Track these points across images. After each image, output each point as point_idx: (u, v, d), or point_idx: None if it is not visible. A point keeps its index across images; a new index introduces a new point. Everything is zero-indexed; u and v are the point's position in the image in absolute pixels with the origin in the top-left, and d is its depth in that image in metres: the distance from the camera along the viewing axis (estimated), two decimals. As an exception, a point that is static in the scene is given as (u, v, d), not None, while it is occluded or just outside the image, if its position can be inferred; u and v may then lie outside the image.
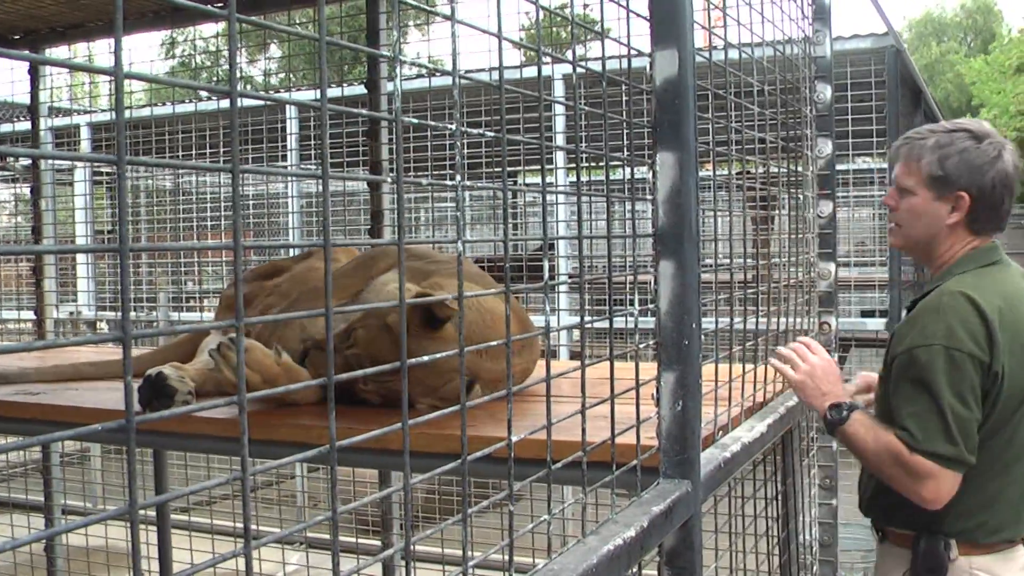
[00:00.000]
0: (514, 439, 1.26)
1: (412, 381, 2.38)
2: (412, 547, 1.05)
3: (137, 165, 0.79)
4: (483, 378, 2.46)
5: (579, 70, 1.54)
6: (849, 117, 5.91)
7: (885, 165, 5.63)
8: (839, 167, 7.30)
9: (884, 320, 6.04)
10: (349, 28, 4.92)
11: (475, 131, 1.08)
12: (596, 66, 1.61)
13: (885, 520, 2.70)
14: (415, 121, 0.98)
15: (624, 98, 1.68)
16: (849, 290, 7.74)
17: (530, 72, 6.85)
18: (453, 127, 1.07)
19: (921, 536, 2.57)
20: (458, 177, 1.08)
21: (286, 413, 2.44)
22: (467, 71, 6.53)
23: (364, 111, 0.97)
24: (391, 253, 2.78)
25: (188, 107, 6.91)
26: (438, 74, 5.23)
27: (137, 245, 0.69)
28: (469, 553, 1.19)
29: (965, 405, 2.44)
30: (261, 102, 6.71)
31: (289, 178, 7.18)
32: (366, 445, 1.10)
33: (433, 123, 1.03)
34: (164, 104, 7.15)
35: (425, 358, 1.07)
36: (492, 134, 1.14)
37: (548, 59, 5.89)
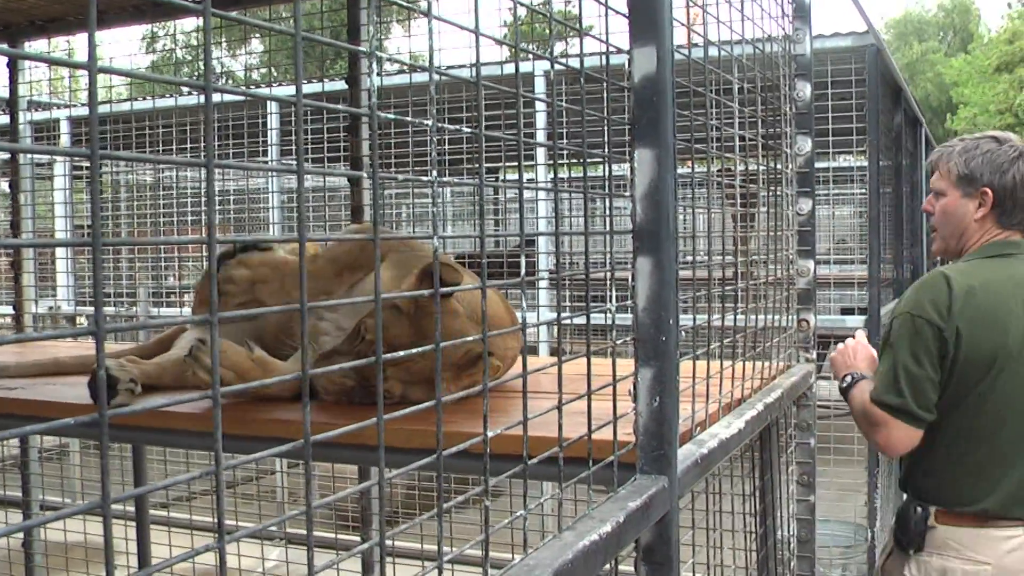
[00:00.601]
0: (490, 435, 1.26)
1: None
2: (389, 543, 1.05)
3: (111, 159, 0.79)
4: (497, 354, 2.47)
5: (557, 67, 1.54)
6: (830, 115, 5.93)
7: (865, 163, 5.65)
8: (820, 165, 7.34)
9: (864, 318, 6.07)
10: (331, 23, 4.91)
11: (451, 127, 1.08)
12: (574, 63, 1.62)
13: (900, 483, 3.09)
14: (392, 117, 0.98)
15: (603, 95, 1.68)
16: (829, 288, 7.76)
17: (511, 68, 6.87)
18: (430, 123, 1.07)
19: (904, 498, 2.92)
20: (434, 173, 1.08)
21: (264, 407, 2.43)
22: (448, 67, 6.54)
23: (341, 107, 0.97)
24: (384, 246, 2.75)
25: (168, 102, 6.90)
26: (416, 70, 5.22)
27: (110, 239, 0.69)
28: (446, 548, 1.20)
29: (918, 364, 2.80)
30: (241, 97, 6.70)
31: (270, 174, 7.16)
32: (343, 440, 1.10)
33: (409, 119, 1.03)
34: (144, 99, 7.11)
35: (449, 342, 1.07)
36: (469, 130, 1.15)
37: (528, 55, 5.89)
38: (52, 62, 0.67)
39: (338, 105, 0.92)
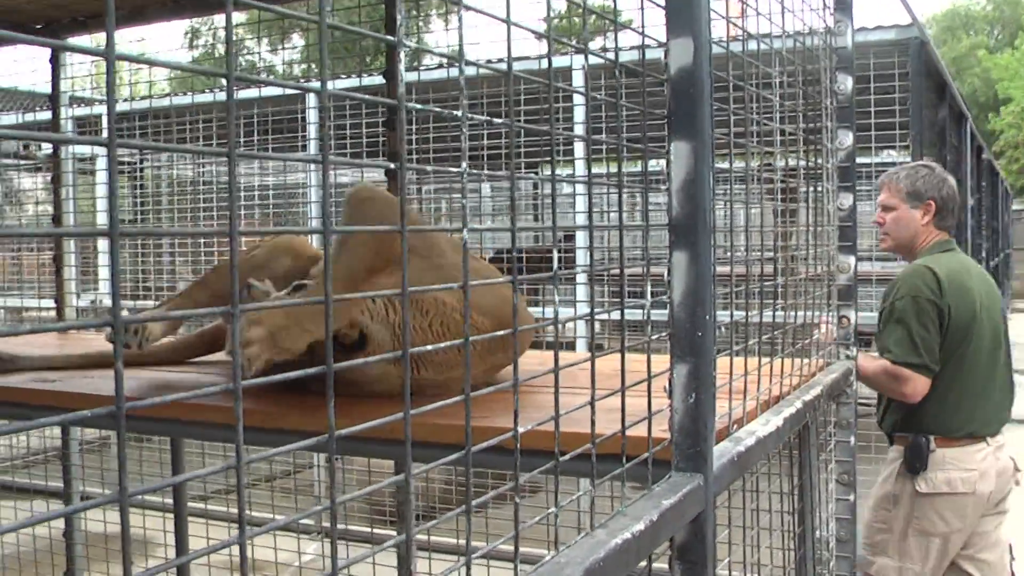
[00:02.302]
0: (521, 430, 1.24)
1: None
2: (424, 537, 1.03)
3: (127, 147, 0.78)
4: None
5: (595, 60, 1.52)
6: (872, 109, 5.85)
7: (909, 159, 5.58)
8: (862, 160, 7.26)
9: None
10: (371, 18, 4.91)
11: (481, 119, 1.07)
12: (611, 56, 1.59)
13: (891, 428, 4.12)
14: (420, 107, 0.97)
15: (641, 88, 1.66)
16: (870, 284, 7.66)
17: (553, 62, 6.83)
18: (459, 114, 1.05)
19: (910, 435, 3.94)
20: (464, 165, 1.07)
21: (297, 401, 2.42)
22: (488, 61, 6.52)
23: (367, 96, 0.95)
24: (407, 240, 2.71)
25: (207, 97, 6.93)
26: (448, 63, 5.21)
27: (127, 229, 0.68)
28: (480, 544, 1.18)
29: (927, 331, 3.89)
30: (282, 92, 6.72)
31: (309, 169, 7.18)
32: (374, 434, 1.09)
33: (438, 109, 1.01)
34: (185, 94, 7.15)
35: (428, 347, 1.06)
36: (500, 121, 1.13)
37: (567, 49, 5.87)
38: (66, 49, 0.66)
39: (364, 95, 0.91)
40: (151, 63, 0.71)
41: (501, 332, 1.25)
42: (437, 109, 1.00)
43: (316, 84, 0.82)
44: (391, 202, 2.64)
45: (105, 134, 0.73)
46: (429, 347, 1.03)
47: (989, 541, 4.11)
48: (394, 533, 4.99)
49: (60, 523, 4.97)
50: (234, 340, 0.78)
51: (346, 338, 2.42)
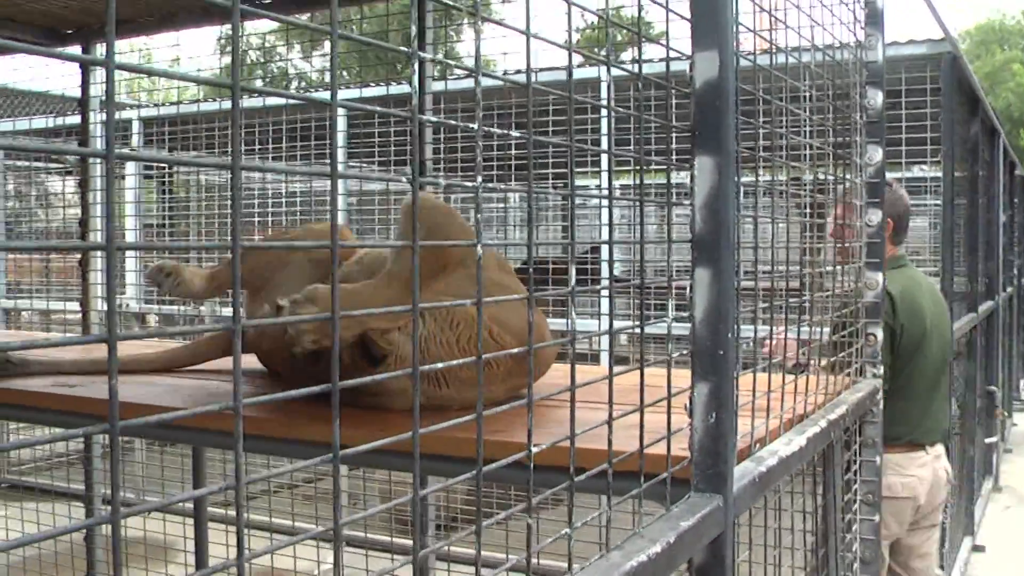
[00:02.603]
0: (535, 450, 1.22)
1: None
2: (433, 548, 1.01)
3: (125, 160, 0.76)
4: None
5: (619, 72, 1.50)
6: (903, 124, 5.80)
7: (940, 173, 5.52)
8: (891, 175, 7.18)
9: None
10: (402, 27, 4.91)
11: (497, 131, 1.04)
12: (634, 68, 1.57)
13: None
14: (434, 120, 0.94)
15: (666, 101, 1.64)
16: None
17: (580, 74, 6.81)
18: (475, 126, 1.03)
19: None
20: (479, 179, 1.05)
21: (316, 412, 2.41)
22: (517, 71, 6.51)
23: (378, 107, 0.93)
24: (453, 256, 2.67)
25: (242, 103, 6.94)
26: (461, 72, 5.19)
27: (124, 243, 0.66)
28: (500, 556, 1.15)
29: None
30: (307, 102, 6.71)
31: (337, 185, 7.16)
32: (393, 447, 1.06)
33: (452, 122, 0.99)
34: (214, 100, 7.17)
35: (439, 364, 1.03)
36: (517, 134, 1.11)
37: (596, 61, 5.82)
38: (66, 58, 0.64)
39: (375, 107, 0.89)
40: (150, 72, 0.69)
41: (516, 350, 1.22)
42: (452, 122, 0.98)
43: (325, 95, 0.80)
44: (448, 212, 2.71)
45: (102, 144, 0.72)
46: (439, 364, 1.01)
47: (920, 552, 4.44)
48: (411, 542, 4.96)
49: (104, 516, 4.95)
50: (236, 357, 0.76)
51: (377, 348, 2.39)
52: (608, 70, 1.35)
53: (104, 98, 0.64)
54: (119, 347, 2.97)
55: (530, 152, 1.13)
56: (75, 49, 4.87)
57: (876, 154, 3.07)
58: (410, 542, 5.42)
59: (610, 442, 1.43)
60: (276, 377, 2.90)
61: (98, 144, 5.91)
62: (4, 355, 2.99)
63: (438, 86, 5.07)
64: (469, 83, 6.31)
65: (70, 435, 0.68)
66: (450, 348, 2.46)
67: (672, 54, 1.66)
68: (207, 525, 4.52)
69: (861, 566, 3.04)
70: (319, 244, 0.80)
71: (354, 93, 7.04)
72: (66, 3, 4.28)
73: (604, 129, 6.20)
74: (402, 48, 0.91)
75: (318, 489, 6.87)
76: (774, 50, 2.15)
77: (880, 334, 3.11)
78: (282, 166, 0.89)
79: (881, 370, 3.41)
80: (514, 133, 1.07)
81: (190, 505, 4.86)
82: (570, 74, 1.25)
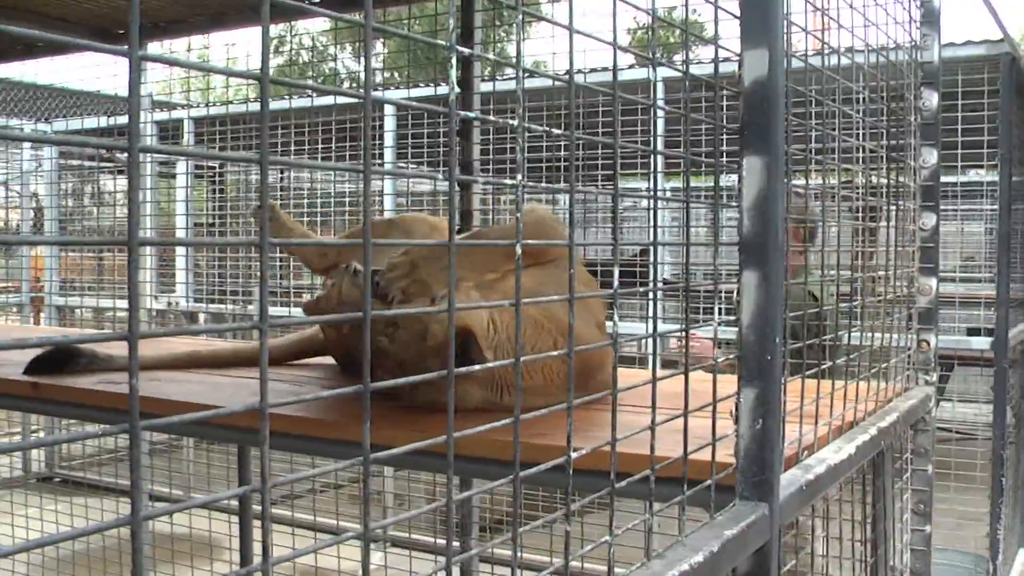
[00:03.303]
0: (574, 455, 1.19)
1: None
2: (471, 551, 0.99)
3: (149, 152, 0.74)
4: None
5: (668, 72, 1.47)
6: (959, 127, 5.70)
7: (996, 177, 5.42)
8: (947, 179, 7.08)
9: (990, 339, 5.83)
10: (448, 27, 4.89)
11: (539, 128, 1.02)
12: (687, 68, 1.54)
13: None
14: (471, 115, 0.92)
15: (715, 101, 1.60)
16: (954, 307, 7.47)
17: (629, 75, 6.77)
18: (515, 123, 1.01)
19: None
20: (519, 176, 1.02)
21: (357, 414, 2.38)
22: (566, 72, 6.46)
23: (415, 104, 0.91)
24: (552, 252, 2.65)
25: (282, 103, 6.99)
26: (511, 72, 5.17)
27: (147, 239, 0.64)
28: (540, 557, 1.13)
29: None
30: (359, 100, 6.72)
31: (384, 177, 7.19)
32: (437, 449, 1.04)
33: (492, 119, 0.97)
34: (280, 99, 7.20)
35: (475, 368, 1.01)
36: (559, 132, 1.08)
37: (647, 61, 5.77)
38: (94, 49, 0.63)
39: (413, 103, 0.87)
40: (174, 63, 0.67)
41: (552, 354, 1.20)
42: (490, 118, 0.95)
43: (350, 93, 0.78)
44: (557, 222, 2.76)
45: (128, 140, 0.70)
46: (476, 368, 0.98)
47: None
48: (456, 544, 4.95)
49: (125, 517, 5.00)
50: (262, 356, 0.74)
51: (476, 350, 2.33)
52: (654, 68, 1.33)
53: (149, 97, 0.62)
54: (188, 346, 2.99)
55: (572, 152, 1.11)
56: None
57: (931, 157, 3.00)
58: (456, 544, 5.41)
59: (652, 447, 1.40)
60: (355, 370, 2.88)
61: (149, 143, 5.96)
62: (91, 351, 3.04)
63: (486, 87, 5.05)
64: (509, 85, 6.30)
65: (89, 435, 0.66)
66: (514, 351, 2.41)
67: (722, 54, 1.63)
68: (252, 523, 4.52)
69: (911, 577, 2.98)
70: (350, 242, 0.78)
71: (402, 93, 7.03)
72: (116, 4, 4.31)
73: (653, 131, 6.15)
74: (440, 42, 0.88)
75: (372, 491, 6.87)
76: (826, 50, 2.11)
77: (933, 340, 3.04)
78: (309, 162, 0.88)
79: (935, 376, 3.22)
80: (556, 131, 1.04)
81: (235, 503, 4.87)
82: (615, 70, 1.22)
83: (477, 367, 1.01)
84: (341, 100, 6.37)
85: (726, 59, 1.68)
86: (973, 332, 7.90)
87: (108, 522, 0.67)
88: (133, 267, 0.64)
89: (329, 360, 3.16)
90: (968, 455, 6.10)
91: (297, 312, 6.13)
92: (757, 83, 1.58)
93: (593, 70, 6.22)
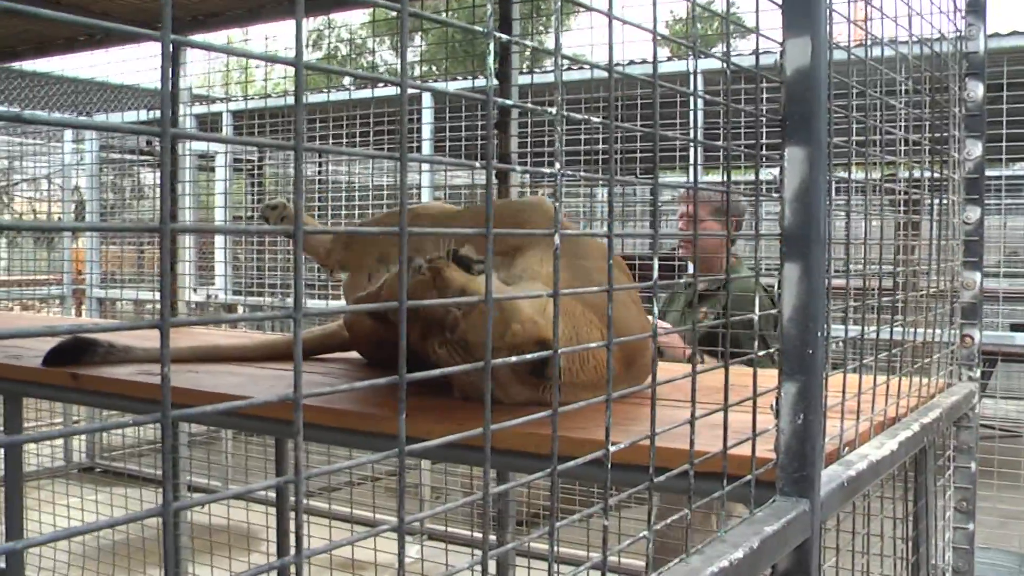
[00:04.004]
0: (613, 449, 1.17)
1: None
2: (512, 544, 0.97)
3: (182, 138, 0.73)
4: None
5: (708, 64, 1.45)
6: (1004, 119, 5.62)
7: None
8: (991, 172, 6.98)
9: (1035, 334, 5.74)
10: (486, 17, 4.87)
11: (578, 116, 1.00)
12: (727, 59, 1.52)
13: None
14: (509, 103, 0.91)
15: (756, 94, 1.58)
16: (997, 302, 7.37)
17: (670, 68, 6.72)
18: (553, 111, 0.99)
19: None
20: (557, 165, 1.00)
21: (396, 406, 2.37)
22: (606, 64, 6.42)
23: (453, 91, 0.90)
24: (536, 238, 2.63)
25: (320, 96, 7.00)
26: (549, 64, 5.15)
27: (178, 225, 0.63)
28: (577, 552, 1.11)
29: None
30: (396, 92, 6.71)
31: (422, 169, 7.19)
32: (474, 443, 1.03)
33: (530, 106, 0.95)
34: (322, 91, 7.22)
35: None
36: (597, 121, 1.06)
37: (684, 54, 5.72)
38: (126, 34, 0.62)
39: (452, 89, 0.85)
40: (208, 47, 0.66)
41: (587, 347, 1.18)
42: (529, 105, 0.94)
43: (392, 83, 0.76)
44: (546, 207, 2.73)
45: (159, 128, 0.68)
46: (499, 360, 0.97)
47: None
48: (493, 537, 4.95)
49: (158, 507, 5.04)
50: (296, 347, 0.73)
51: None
52: (695, 55, 1.30)
53: (183, 88, 0.61)
54: (223, 338, 2.99)
55: (612, 140, 1.09)
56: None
57: (975, 149, 2.96)
58: (492, 536, 5.41)
59: (692, 442, 1.38)
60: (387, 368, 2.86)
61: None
62: (107, 342, 3.03)
63: (524, 79, 5.03)
64: (548, 77, 6.26)
65: (120, 424, 0.66)
66: (570, 355, 2.34)
67: (762, 46, 1.60)
68: (289, 515, 4.54)
69: None
70: (385, 230, 0.77)
71: (439, 86, 7.04)
72: (156, -1, 4.34)
73: (694, 121, 6.11)
74: (477, 28, 0.87)
75: (410, 484, 6.89)
76: (870, 41, 2.07)
77: (977, 335, 3.00)
78: (349, 150, 0.87)
79: (978, 372, 3.11)
80: (595, 120, 1.02)
81: (272, 494, 4.89)
82: (655, 59, 1.20)
83: (532, 354, 0.99)
84: (379, 93, 6.37)
85: (766, 51, 1.65)
86: (1017, 328, 7.81)
87: (140, 512, 0.66)
88: (165, 253, 0.63)
89: (351, 355, 3.15)
90: (1011, 452, 6.03)
91: (334, 305, 6.15)
92: (799, 72, 1.55)
93: (632, 62, 6.18)
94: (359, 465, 0.78)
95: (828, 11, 1.59)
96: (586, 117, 1.01)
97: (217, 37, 5.01)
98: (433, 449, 0.85)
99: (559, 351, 1.05)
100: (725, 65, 1.43)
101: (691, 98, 5.99)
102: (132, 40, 4.79)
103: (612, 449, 1.16)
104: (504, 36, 0.94)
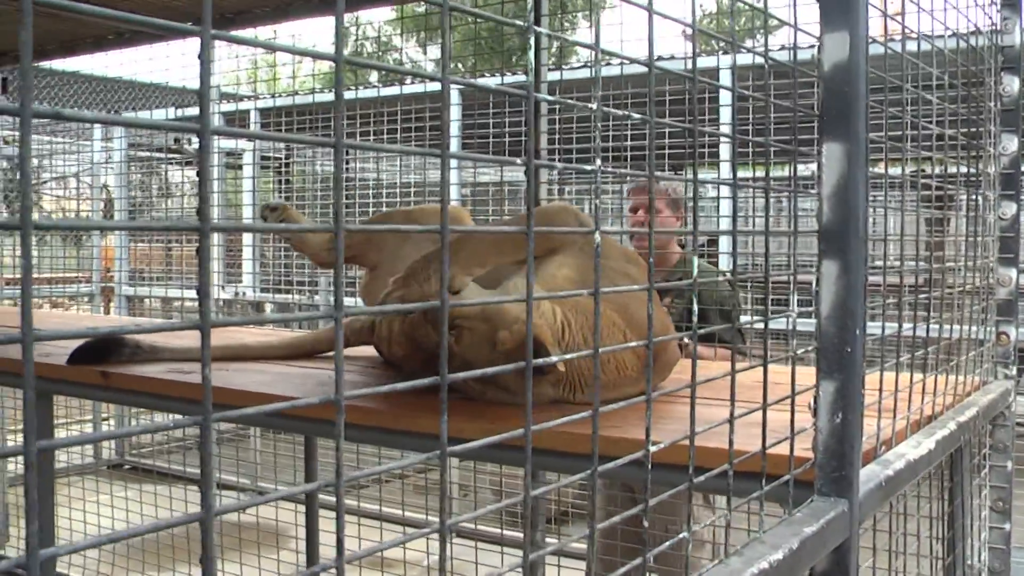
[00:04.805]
0: (653, 449, 1.16)
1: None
2: (545, 542, 0.97)
3: (222, 135, 0.73)
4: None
5: (742, 59, 1.43)
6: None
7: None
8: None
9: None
10: (521, 11, 4.87)
11: (618, 112, 0.99)
12: (766, 53, 1.50)
13: None
14: (549, 99, 0.89)
15: (792, 89, 1.56)
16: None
17: (702, 63, 6.67)
18: (594, 107, 0.98)
19: None
20: (597, 162, 0.99)
21: (430, 403, 2.36)
22: (646, 59, 6.40)
23: (492, 86, 0.89)
24: (565, 239, 2.60)
25: (348, 94, 6.98)
26: (589, 59, 5.13)
27: (219, 224, 0.62)
28: (609, 557, 1.10)
29: None
30: (424, 89, 6.73)
31: (450, 166, 7.17)
32: (511, 443, 1.02)
33: (571, 101, 0.94)
34: (327, 91, 7.22)
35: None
36: (639, 117, 1.05)
37: (714, 50, 5.69)
38: (162, 28, 0.61)
39: (490, 84, 0.84)
40: (246, 42, 0.65)
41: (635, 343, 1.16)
42: (570, 101, 0.92)
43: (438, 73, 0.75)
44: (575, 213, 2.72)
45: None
46: (555, 359, 0.95)
47: None
48: (521, 535, 4.93)
49: (197, 511, 5.05)
50: (337, 347, 0.72)
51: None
52: (734, 50, 1.29)
53: (200, 69, 0.60)
54: (245, 336, 2.98)
55: (651, 135, 1.07)
56: (196, 40, 4.92)
57: (1011, 143, 2.92)
58: (520, 534, 5.39)
59: (731, 441, 1.36)
60: (395, 368, 2.84)
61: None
62: (134, 341, 3.03)
63: (553, 76, 5.00)
64: (585, 73, 6.24)
65: (162, 427, 0.65)
66: (579, 348, 2.34)
67: (799, 39, 1.58)
68: (319, 512, 4.54)
69: None
70: (428, 228, 0.76)
71: (481, 82, 7.02)
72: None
73: (724, 119, 6.07)
74: (518, 22, 0.85)
75: (429, 480, 6.89)
76: (906, 34, 2.05)
77: (1013, 333, 2.96)
78: (389, 146, 0.86)
79: (1014, 370, 3.07)
80: (635, 115, 1.01)
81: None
82: (694, 54, 1.19)
83: (554, 359, 0.98)
84: (407, 90, 6.37)
85: (802, 46, 1.63)
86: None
87: (180, 517, 0.65)
88: (205, 253, 0.62)
89: (364, 351, 3.13)
90: (1044, 451, 5.95)
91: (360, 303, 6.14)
92: (837, 67, 1.53)
93: (660, 58, 6.14)
94: (402, 466, 0.77)
95: (866, 5, 1.57)
96: (627, 112, 1.00)
97: (246, 35, 5.02)
98: (474, 449, 0.84)
99: (600, 349, 1.03)
100: (764, 59, 1.41)
101: (728, 93, 5.95)
102: (164, 37, 4.81)
103: (652, 449, 1.14)
104: (544, 31, 0.92)
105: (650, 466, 1.14)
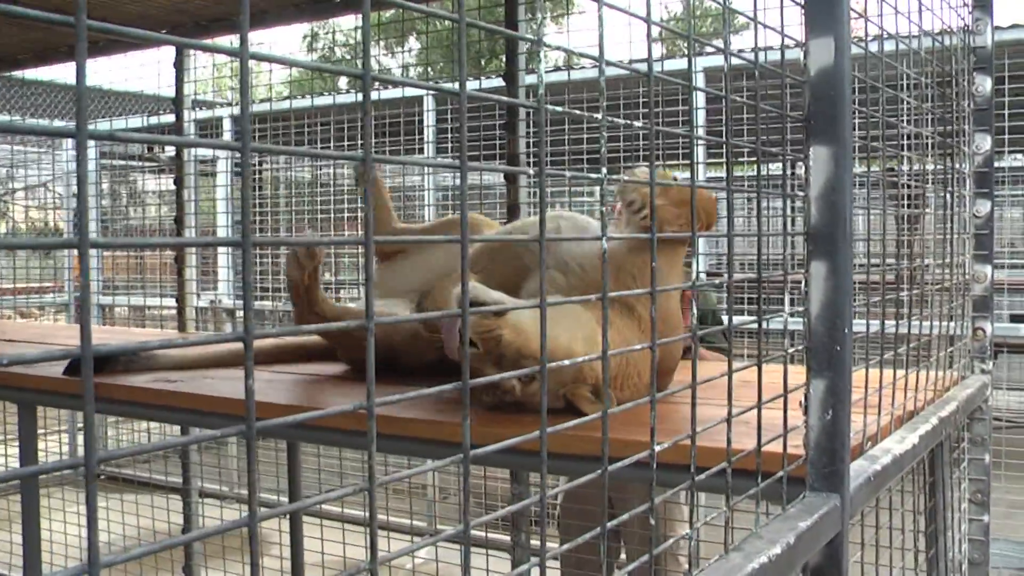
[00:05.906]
0: (657, 448, 1.18)
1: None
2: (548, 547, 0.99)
3: (263, 152, 0.74)
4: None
5: (730, 62, 1.46)
6: (1006, 112, 5.64)
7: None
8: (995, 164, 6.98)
9: (1038, 325, 5.75)
10: (488, 19, 4.89)
11: (623, 122, 1.01)
12: (750, 56, 1.53)
13: None
14: (560, 110, 0.92)
15: (781, 91, 1.59)
16: (1001, 293, 7.39)
17: (673, 64, 6.72)
18: (599, 116, 1.00)
19: None
20: (604, 170, 1.02)
21: (443, 410, 2.35)
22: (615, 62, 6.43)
23: (505, 98, 0.91)
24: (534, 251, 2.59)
25: (326, 99, 7.00)
26: (560, 63, 5.16)
27: (260, 238, 0.64)
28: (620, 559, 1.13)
29: None
30: (400, 94, 6.73)
31: (425, 171, 7.20)
32: (522, 447, 1.04)
33: (578, 112, 0.96)
34: (303, 96, 7.22)
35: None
36: (639, 125, 1.07)
37: (685, 52, 5.73)
38: (152, 39, 0.63)
39: (503, 96, 0.86)
40: (284, 62, 0.67)
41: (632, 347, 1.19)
42: (578, 112, 0.95)
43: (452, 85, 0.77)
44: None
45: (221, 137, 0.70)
46: (567, 361, 0.98)
47: None
48: (506, 537, 4.95)
49: (179, 519, 5.06)
50: (368, 356, 0.74)
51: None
52: (727, 58, 1.31)
53: (240, 87, 0.62)
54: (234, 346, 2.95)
55: (652, 142, 1.10)
56: (170, 49, 4.92)
57: (984, 142, 2.97)
58: (505, 537, 5.41)
59: (729, 440, 1.39)
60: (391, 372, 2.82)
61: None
62: (133, 350, 3.01)
63: (530, 79, 5.02)
64: (561, 76, 6.26)
65: (206, 436, 0.67)
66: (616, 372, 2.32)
67: (774, 41, 1.61)
68: (301, 519, 4.55)
69: (970, 568, 2.95)
70: (447, 238, 0.78)
71: (497, 97, 7.03)
72: (160, 4, 4.34)
73: (699, 121, 6.11)
74: (528, 36, 0.88)
75: (411, 484, 6.90)
76: (884, 35, 2.08)
77: (989, 328, 3.01)
78: (415, 159, 0.88)
79: (991, 365, 3.08)
80: (637, 124, 1.03)
81: (284, 498, 4.90)
82: (690, 58, 1.22)
83: (567, 362, 1.00)
84: (385, 95, 6.36)
85: (771, 47, 1.66)
86: (1017, 319, 7.82)
87: (227, 523, 0.67)
88: (247, 267, 0.64)
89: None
90: (1017, 443, 6.04)
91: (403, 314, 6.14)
92: (823, 72, 1.56)
93: (632, 61, 6.18)
94: (424, 471, 0.79)
95: (848, 11, 1.60)
96: (628, 123, 1.02)
97: (220, 43, 5.01)
98: (494, 454, 0.86)
99: (609, 351, 1.06)
100: (754, 66, 1.44)
101: (693, 98, 5.98)
102: (143, 46, 4.79)
103: (657, 449, 1.17)
104: (555, 45, 0.95)
105: (655, 466, 1.16)
